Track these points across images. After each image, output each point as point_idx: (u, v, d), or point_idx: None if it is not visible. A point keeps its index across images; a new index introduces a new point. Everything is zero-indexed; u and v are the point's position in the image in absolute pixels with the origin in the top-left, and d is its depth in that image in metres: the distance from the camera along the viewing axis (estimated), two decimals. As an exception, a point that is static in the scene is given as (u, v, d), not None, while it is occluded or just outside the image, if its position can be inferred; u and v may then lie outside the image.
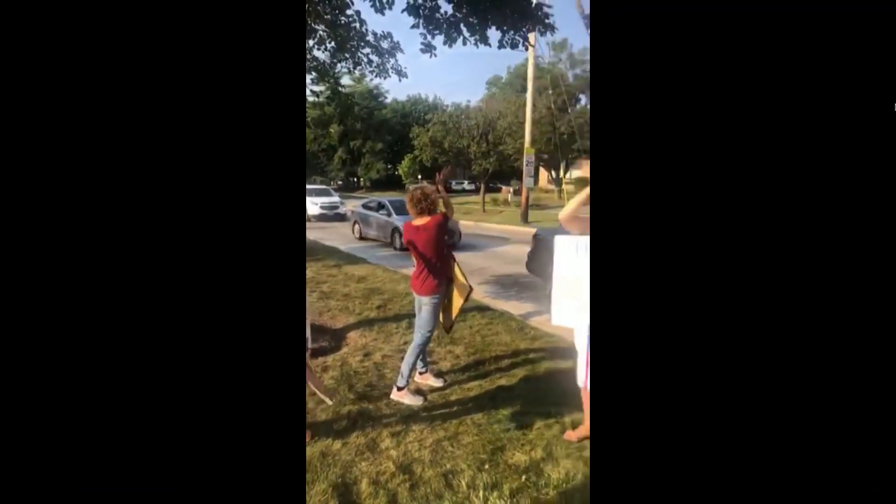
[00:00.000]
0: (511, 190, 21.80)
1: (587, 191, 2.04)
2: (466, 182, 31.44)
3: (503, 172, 21.94)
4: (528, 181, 13.10)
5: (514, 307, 4.58)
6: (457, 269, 2.65)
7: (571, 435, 2.16)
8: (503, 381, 2.79)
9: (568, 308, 2.04)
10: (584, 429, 2.17)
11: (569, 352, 2.73)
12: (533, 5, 3.91)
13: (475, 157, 17.89)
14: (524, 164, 12.76)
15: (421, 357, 2.70)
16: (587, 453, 2.03)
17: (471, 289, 2.65)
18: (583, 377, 2.04)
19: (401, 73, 4.73)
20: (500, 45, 3.98)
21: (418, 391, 2.64)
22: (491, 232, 11.35)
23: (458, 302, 2.66)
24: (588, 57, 22.50)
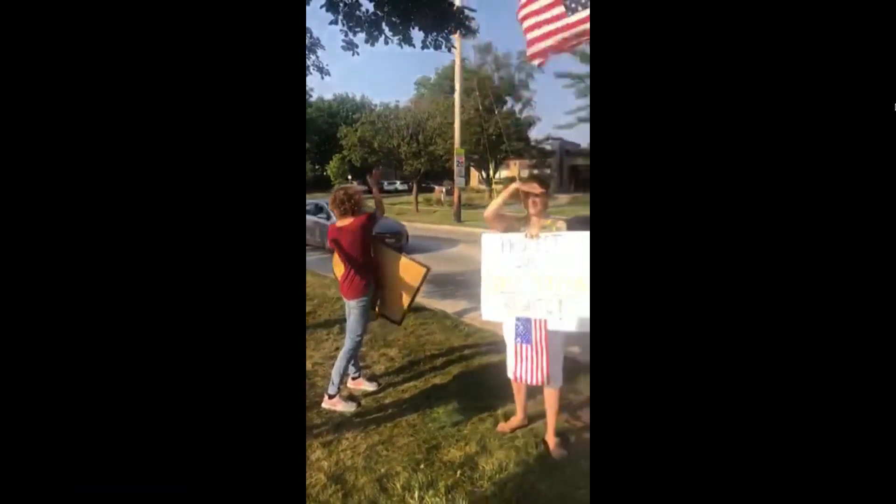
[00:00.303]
0: (444, 190, 22.03)
1: (509, 189, 2.11)
2: (399, 182, 31.23)
3: (435, 172, 22.11)
4: (459, 181, 13.32)
5: (450, 305, 4.62)
6: (403, 264, 2.57)
7: (504, 427, 2.22)
8: (438, 380, 2.80)
9: (496, 303, 2.09)
10: (516, 419, 2.24)
11: (500, 345, 2.80)
12: (454, 8, 3.97)
13: (406, 157, 17.83)
14: (455, 164, 12.95)
15: (353, 362, 2.63)
16: (519, 443, 2.09)
17: (427, 269, 2.56)
18: (512, 368, 2.11)
19: (322, 71, 4.58)
20: (424, 46, 3.99)
21: (351, 397, 2.57)
22: (439, 233, 11.27)
23: (406, 299, 2.60)
24: (512, 61, 23.21)
